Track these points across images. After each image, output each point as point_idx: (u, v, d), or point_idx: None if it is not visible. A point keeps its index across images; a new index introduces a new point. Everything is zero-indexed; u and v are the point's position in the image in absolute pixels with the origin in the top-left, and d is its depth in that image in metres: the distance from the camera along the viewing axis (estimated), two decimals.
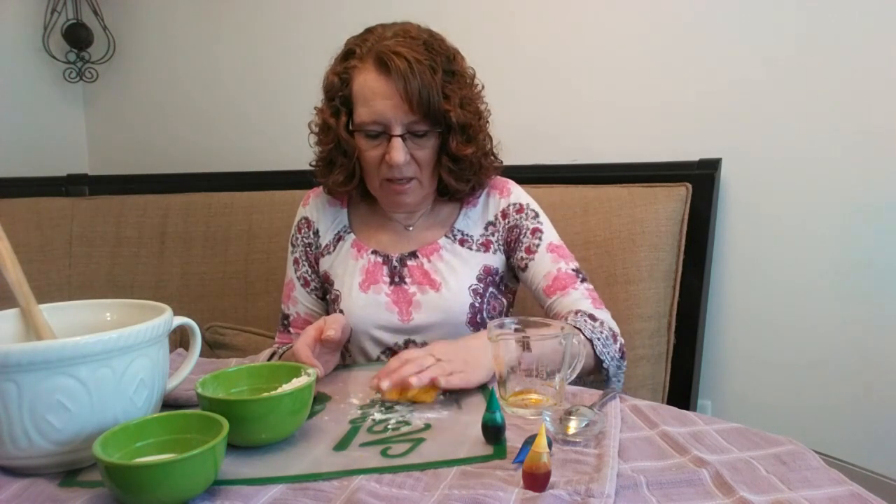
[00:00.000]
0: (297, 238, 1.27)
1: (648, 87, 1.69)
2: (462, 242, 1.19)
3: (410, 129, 1.09)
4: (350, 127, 1.13)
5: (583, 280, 1.16)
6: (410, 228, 1.21)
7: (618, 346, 1.09)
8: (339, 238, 1.24)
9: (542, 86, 1.79)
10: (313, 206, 1.27)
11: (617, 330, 1.12)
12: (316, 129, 1.19)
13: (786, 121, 1.57)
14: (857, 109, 1.51)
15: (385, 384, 0.88)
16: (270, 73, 2.11)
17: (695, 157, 1.60)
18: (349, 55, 1.12)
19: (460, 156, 1.12)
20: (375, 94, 1.07)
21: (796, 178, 1.57)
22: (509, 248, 1.20)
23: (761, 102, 1.59)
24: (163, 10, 2.22)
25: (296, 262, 1.27)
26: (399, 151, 1.08)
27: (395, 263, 1.18)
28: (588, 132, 1.75)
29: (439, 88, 1.08)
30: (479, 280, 1.17)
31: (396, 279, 1.17)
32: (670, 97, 1.67)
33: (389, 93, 1.06)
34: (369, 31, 1.13)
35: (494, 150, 1.20)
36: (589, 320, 1.07)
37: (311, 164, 1.22)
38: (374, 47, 1.08)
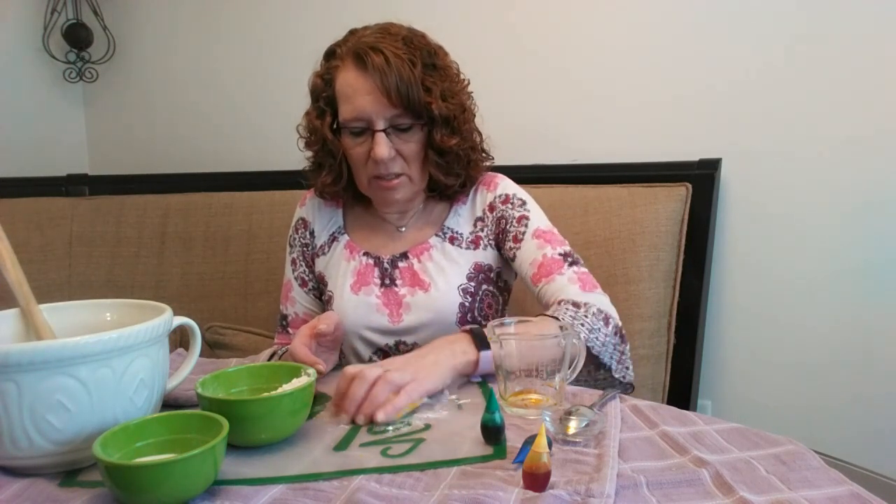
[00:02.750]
0: (294, 238, 1.28)
1: (648, 86, 1.69)
2: (452, 240, 1.19)
3: (393, 123, 1.09)
4: (335, 126, 1.13)
5: (571, 263, 1.12)
6: (402, 229, 1.21)
7: (611, 327, 1.03)
8: (333, 239, 1.24)
9: (543, 86, 1.79)
10: (309, 207, 1.27)
11: (611, 312, 1.06)
12: (304, 133, 1.19)
13: (786, 121, 1.57)
14: (856, 109, 1.51)
15: (343, 419, 0.85)
16: (270, 73, 2.11)
17: (695, 157, 1.60)
18: (330, 56, 1.14)
19: (445, 148, 1.11)
20: (356, 91, 1.08)
21: (796, 178, 1.58)
22: (499, 240, 1.19)
23: (761, 102, 1.59)
24: (163, 10, 2.22)
25: (293, 262, 1.27)
26: (383, 146, 1.08)
27: (385, 265, 1.18)
28: (588, 132, 1.75)
29: (419, 81, 1.08)
30: (470, 279, 1.16)
31: (387, 281, 1.17)
32: (670, 97, 1.67)
33: (368, 88, 1.06)
34: (351, 32, 1.14)
35: (484, 146, 1.20)
36: (571, 308, 1.02)
37: (304, 169, 1.23)
38: (353, 46, 1.09)
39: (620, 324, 1.07)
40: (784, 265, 1.60)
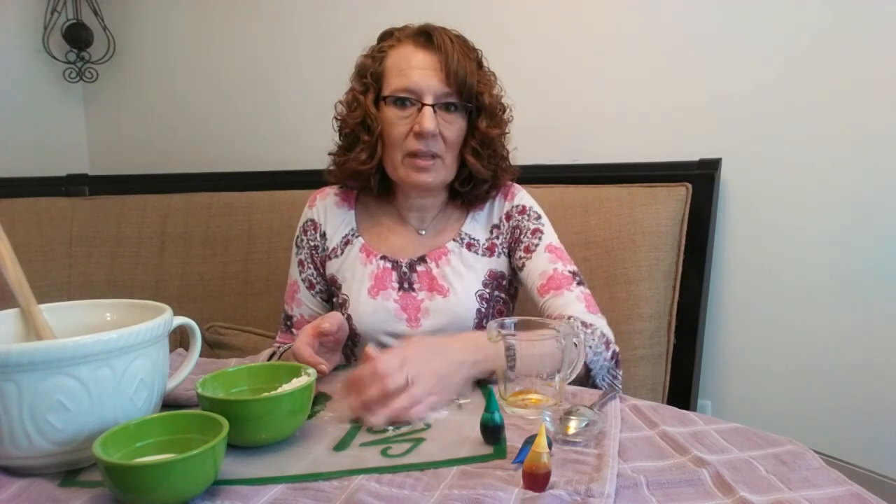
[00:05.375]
0: (302, 240, 1.26)
1: (648, 87, 1.69)
2: (469, 246, 1.19)
3: (441, 101, 1.11)
4: (381, 96, 1.14)
5: (579, 283, 1.15)
6: (423, 233, 1.21)
7: (610, 352, 1.08)
8: (346, 241, 1.23)
9: (543, 86, 1.79)
10: (320, 208, 1.26)
11: (611, 336, 1.10)
12: (343, 110, 1.19)
13: (786, 121, 1.57)
14: (857, 111, 1.51)
15: (356, 411, 0.85)
16: (270, 72, 2.11)
17: (695, 157, 1.60)
18: (387, 36, 1.18)
19: (488, 137, 1.14)
20: (412, 65, 1.11)
21: (796, 179, 1.58)
22: (511, 249, 1.20)
23: (761, 103, 1.59)
24: (163, 10, 2.22)
25: (301, 263, 1.26)
26: (429, 119, 1.09)
27: (404, 269, 1.18)
28: (588, 132, 1.75)
29: (475, 70, 1.13)
30: (485, 285, 1.17)
31: (405, 285, 1.17)
32: (670, 97, 1.67)
33: (428, 63, 1.10)
34: (406, 25, 1.19)
35: (510, 160, 1.22)
36: (581, 327, 1.05)
37: (330, 153, 1.22)
38: (416, 27, 1.15)
39: (618, 349, 1.10)
40: (784, 265, 1.60)
